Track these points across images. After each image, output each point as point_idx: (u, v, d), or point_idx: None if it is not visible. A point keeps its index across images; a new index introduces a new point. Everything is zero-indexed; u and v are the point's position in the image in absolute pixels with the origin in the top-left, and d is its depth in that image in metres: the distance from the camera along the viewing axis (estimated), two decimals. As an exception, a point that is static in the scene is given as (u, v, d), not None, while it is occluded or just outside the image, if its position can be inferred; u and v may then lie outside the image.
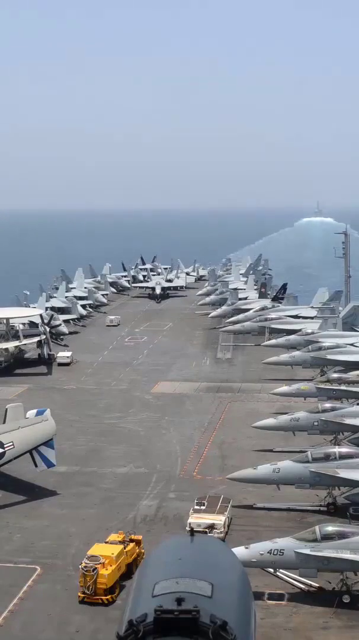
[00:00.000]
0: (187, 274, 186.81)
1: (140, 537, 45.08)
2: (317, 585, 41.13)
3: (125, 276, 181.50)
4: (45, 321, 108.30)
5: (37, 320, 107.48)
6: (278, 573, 41.63)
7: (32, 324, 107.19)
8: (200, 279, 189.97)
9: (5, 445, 55.33)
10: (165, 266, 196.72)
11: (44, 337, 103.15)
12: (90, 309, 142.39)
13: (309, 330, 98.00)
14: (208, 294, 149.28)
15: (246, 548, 40.18)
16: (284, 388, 75.23)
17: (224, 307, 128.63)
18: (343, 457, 51.77)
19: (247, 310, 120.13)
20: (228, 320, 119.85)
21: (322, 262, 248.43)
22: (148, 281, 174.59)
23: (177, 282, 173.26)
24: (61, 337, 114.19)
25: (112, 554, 41.91)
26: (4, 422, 56.76)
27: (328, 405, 63.34)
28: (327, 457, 51.73)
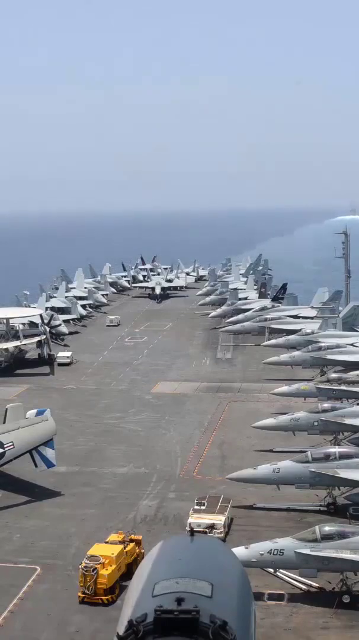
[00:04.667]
0: (187, 274, 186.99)
1: (140, 537, 45.06)
2: (317, 585, 41.16)
3: (125, 276, 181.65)
4: (45, 321, 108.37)
5: (37, 320, 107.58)
6: (278, 573, 41.64)
7: (32, 324, 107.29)
8: (200, 279, 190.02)
9: (5, 445, 55.34)
10: (165, 266, 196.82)
11: (44, 337, 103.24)
12: (90, 309, 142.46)
13: (309, 330, 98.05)
14: (208, 294, 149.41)
15: (246, 548, 40.17)
16: (284, 388, 75.20)
17: (224, 307, 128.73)
18: (342, 457, 51.77)
19: (247, 310, 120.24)
20: (228, 320, 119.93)
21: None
22: (148, 281, 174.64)
23: (177, 282, 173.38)
24: (61, 337, 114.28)
25: (112, 554, 41.92)
26: (4, 422, 56.81)
27: (328, 405, 63.31)
28: (327, 457, 51.73)
